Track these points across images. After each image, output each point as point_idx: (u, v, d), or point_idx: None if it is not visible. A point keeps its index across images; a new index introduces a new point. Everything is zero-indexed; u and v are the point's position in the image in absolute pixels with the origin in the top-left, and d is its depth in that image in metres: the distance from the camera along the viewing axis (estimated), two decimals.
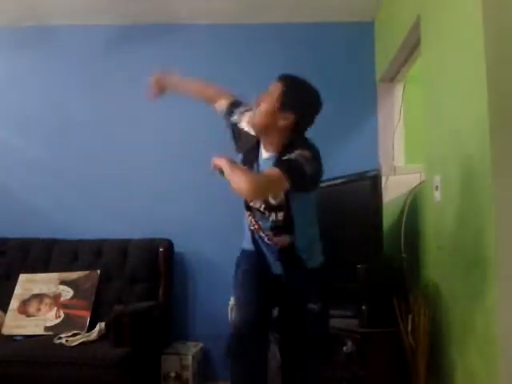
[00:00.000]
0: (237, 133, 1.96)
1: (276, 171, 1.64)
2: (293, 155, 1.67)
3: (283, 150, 1.74)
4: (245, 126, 1.91)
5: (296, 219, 1.82)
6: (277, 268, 1.91)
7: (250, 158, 1.86)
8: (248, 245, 1.97)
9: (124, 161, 3.24)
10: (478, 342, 1.72)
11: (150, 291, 2.85)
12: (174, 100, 3.27)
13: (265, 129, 1.78)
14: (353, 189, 2.53)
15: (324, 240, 1.97)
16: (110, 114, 3.29)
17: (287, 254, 1.87)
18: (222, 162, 1.69)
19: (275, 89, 1.77)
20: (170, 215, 3.11)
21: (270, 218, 1.83)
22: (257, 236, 1.91)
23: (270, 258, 1.91)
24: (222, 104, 2.04)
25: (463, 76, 1.83)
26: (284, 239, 1.85)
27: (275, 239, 1.86)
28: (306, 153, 1.67)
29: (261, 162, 1.83)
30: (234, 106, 1.99)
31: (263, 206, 1.82)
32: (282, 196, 1.76)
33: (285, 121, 1.75)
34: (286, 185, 1.64)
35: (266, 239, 1.88)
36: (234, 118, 1.96)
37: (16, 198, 3.22)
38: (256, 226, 1.89)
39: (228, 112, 2.00)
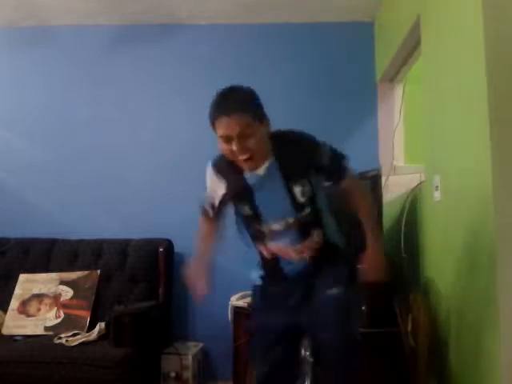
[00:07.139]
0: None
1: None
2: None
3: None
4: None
5: (322, 211, 1.74)
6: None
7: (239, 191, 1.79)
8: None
9: (124, 161, 3.24)
10: (478, 342, 1.72)
11: (150, 291, 2.84)
12: (175, 100, 3.30)
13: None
14: None
15: None
16: (110, 114, 3.29)
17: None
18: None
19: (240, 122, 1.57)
20: (169, 215, 3.11)
21: (300, 214, 1.69)
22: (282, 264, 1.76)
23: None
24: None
25: (463, 76, 1.83)
26: (311, 240, 1.72)
27: (306, 244, 1.72)
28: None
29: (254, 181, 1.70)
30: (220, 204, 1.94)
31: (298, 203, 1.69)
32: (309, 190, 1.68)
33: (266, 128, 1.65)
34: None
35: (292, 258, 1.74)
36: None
37: (16, 198, 3.22)
38: (281, 253, 1.75)
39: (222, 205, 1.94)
